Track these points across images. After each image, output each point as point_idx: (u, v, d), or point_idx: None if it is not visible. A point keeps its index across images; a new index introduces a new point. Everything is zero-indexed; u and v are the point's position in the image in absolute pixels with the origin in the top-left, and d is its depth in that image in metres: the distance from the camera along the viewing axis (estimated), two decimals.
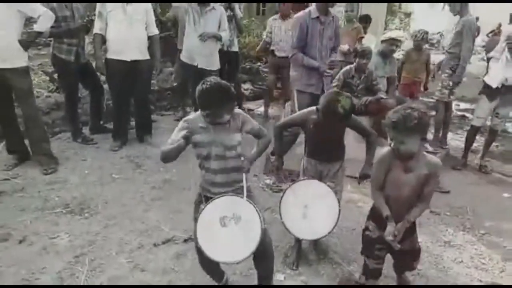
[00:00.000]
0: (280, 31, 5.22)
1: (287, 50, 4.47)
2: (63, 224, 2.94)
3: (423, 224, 3.10)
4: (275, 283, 2.35)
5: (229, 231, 1.89)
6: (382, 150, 2.01)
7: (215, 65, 4.53)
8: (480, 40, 12.13)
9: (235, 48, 5.30)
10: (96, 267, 2.50)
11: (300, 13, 3.49)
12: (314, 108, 2.39)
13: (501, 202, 3.67)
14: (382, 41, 4.50)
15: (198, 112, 2.00)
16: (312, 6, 3.45)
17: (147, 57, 4.25)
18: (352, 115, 2.31)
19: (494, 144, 4.70)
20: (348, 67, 4.13)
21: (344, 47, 5.26)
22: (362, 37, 5.72)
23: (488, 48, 8.21)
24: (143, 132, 4.59)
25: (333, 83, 4.19)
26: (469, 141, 4.42)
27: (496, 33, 10.07)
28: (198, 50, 4.31)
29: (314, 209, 2.37)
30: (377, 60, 4.42)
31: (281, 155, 2.73)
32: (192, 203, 2.16)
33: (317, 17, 3.40)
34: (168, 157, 1.91)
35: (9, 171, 3.70)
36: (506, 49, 3.86)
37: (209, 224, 1.90)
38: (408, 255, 2.17)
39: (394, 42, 4.37)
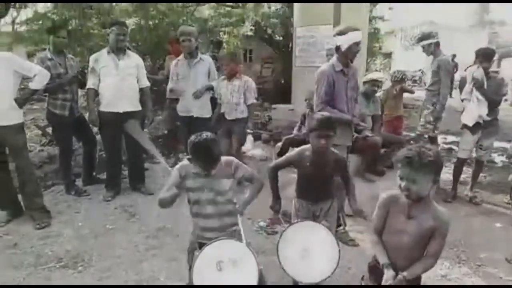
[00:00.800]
0: (227, 92, 4.59)
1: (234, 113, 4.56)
2: (56, 279, 2.89)
3: None
4: None
5: (226, 275, 1.91)
6: (383, 194, 1.94)
7: (209, 112, 4.71)
8: (458, 76, 12.69)
9: None
10: None
11: (324, 67, 3.40)
12: (309, 145, 2.49)
13: (494, 232, 3.71)
14: (364, 83, 4.74)
15: (186, 159, 2.10)
16: (333, 59, 3.40)
17: (139, 108, 4.39)
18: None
19: (481, 174, 4.81)
20: None
21: None
22: None
23: (461, 85, 8.60)
24: (136, 181, 4.63)
25: None
26: (457, 173, 4.53)
27: None
28: (193, 102, 4.52)
29: (313, 250, 2.30)
30: (361, 100, 4.62)
31: (278, 196, 2.71)
32: (186, 251, 2.19)
33: (341, 70, 3.35)
34: (165, 203, 2.01)
35: (2, 227, 3.67)
36: (474, 90, 4.08)
37: (205, 269, 1.91)
38: None
39: (375, 83, 4.61)
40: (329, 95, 3.34)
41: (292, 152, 2.67)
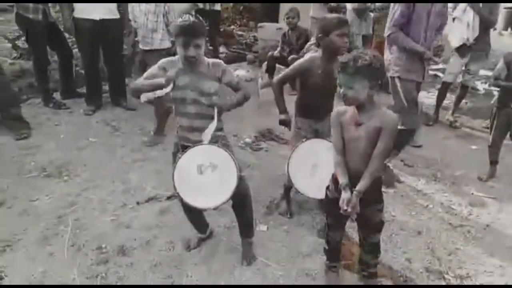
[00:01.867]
0: (141, 14, 3.70)
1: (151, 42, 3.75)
2: (41, 187, 2.89)
3: (398, 174, 3.27)
4: (259, 233, 2.44)
5: (206, 179, 1.95)
6: (333, 112, 1.91)
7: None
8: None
9: (218, 7, 5.13)
10: (80, 227, 2.50)
11: None
12: (315, 54, 2.38)
13: (469, 154, 3.87)
14: None
15: (177, 57, 1.99)
16: None
17: (117, 15, 4.08)
18: None
19: (463, 101, 4.89)
20: None
21: None
22: None
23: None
24: (117, 96, 4.48)
25: (310, 40, 4.19)
26: (441, 97, 4.58)
27: None
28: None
29: (323, 167, 2.25)
30: (353, 17, 4.42)
31: (285, 110, 2.52)
32: (171, 163, 2.18)
33: None
34: (141, 91, 1.94)
35: None
36: (468, 9, 3.94)
37: (186, 171, 1.94)
38: (368, 224, 1.94)
39: None
40: (405, 17, 2.85)
41: (301, 60, 2.46)
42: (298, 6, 5.11)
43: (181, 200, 2.01)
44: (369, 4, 4.40)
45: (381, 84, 1.73)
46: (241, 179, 1.99)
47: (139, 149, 3.56)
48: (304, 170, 2.31)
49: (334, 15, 2.43)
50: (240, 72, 5.99)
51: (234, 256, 2.30)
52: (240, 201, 2.10)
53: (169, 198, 2.79)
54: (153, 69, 2.00)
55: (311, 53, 2.52)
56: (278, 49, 5.10)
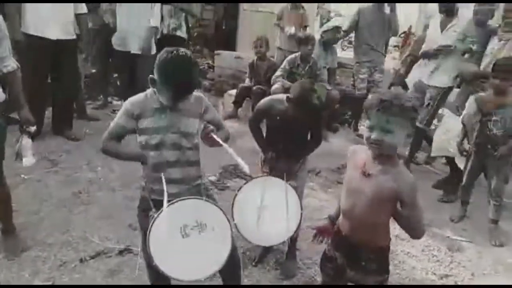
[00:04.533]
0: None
1: None
2: None
3: None
4: None
5: (192, 243, 1.57)
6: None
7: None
8: (394, 40, 13.03)
9: (182, 34, 4.79)
10: None
11: None
12: (282, 96, 2.13)
13: (435, 193, 3.81)
14: (325, 32, 4.42)
15: (147, 93, 1.62)
16: None
17: (74, 36, 3.72)
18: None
19: None
20: (293, 55, 3.95)
21: (291, 29, 4.92)
22: (307, 26, 5.56)
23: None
24: (61, 123, 3.91)
25: (277, 72, 4.00)
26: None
27: (407, 34, 10.81)
28: (132, 35, 3.85)
29: (273, 210, 2.08)
30: (319, 50, 4.33)
31: (266, 147, 2.31)
32: (123, 207, 1.78)
33: None
34: (113, 157, 1.62)
35: None
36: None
37: (165, 235, 1.54)
38: None
39: (338, 30, 4.31)
40: None
41: (261, 102, 2.30)
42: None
43: (152, 271, 1.64)
44: (339, 34, 4.34)
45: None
46: (233, 239, 1.64)
47: (83, 189, 3.03)
48: (250, 213, 2.06)
49: None
50: None
51: None
52: (231, 262, 1.70)
53: (121, 253, 2.32)
54: (121, 119, 1.62)
55: (278, 85, 2.32)
56: (247, 80, 4.85)
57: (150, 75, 1.56)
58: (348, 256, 1.55)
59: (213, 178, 3.37)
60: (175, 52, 1.49)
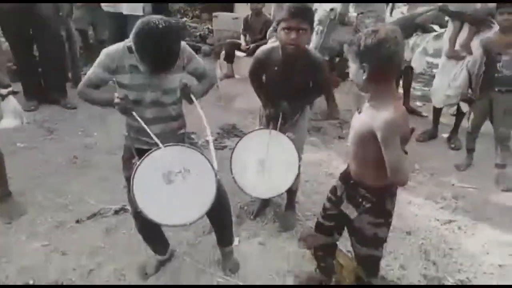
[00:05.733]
0: None
1: None
2: None
3: None
4: None
5: (176, 188, 1.53)
6: None
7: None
8: None
9: None
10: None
11: None
12: (275, 43, 2.02)
13: (441, 142, 3.70)
14: None
15: (125, 44, 1.52)
16: None
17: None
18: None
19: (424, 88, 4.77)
20: None
21: None
22: None
23: None
24: (54, 91, 3.85)
25: (272, 26, 3.84)
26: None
27: None
28: None
29: (271, 163, 2.01)
30: None
31: (269, 102, 2.17)
32: (119, 170, 1.73)
33: None
34: (90, 102, 1.62)
35: None
36: None
37: (149, 182, 1.51)
38: (357, 233, 1.57)
39: None
40: None
41: (258, 51, 2.14)
42: None
43: (137, 216, 1.61)
44: None
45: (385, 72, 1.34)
46: (218, 182, 1.59)
47: (79, 154, 3.01)
48: (248, 166, 2.00)
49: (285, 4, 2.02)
50: None
51: (201, 280, 1.89)
52: (218, 207, 1.67)
53: (116, 212, 2.30)
54: (97, 69, 1.55)
55: (273, 40, 2.17)
56: (242, 37, 4.66)
57: (128, 43, 1.48)
58: (348, 190, 1.56)
59: (210, 138, 3.29)
60: (153, 23, 1.37)
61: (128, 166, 1.59)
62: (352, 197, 1.54)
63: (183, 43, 1.61)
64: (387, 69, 1.34)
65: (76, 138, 3.24)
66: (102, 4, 3.99)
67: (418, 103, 4.60)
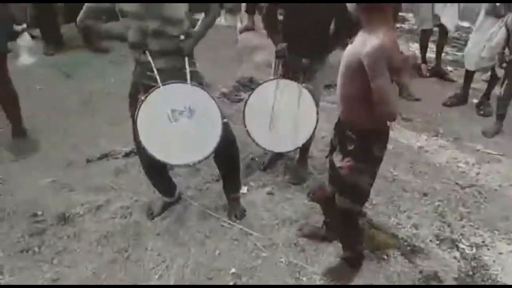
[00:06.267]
0: None
1: None
2: None
3: (395, 130, 2.86)
4: None
5: (181, 127, 1.48)
6: None
7: None
8: None
9: None
10: (8, 190, 1.99)
11: None
12: None
13: (470, 108, 3.49)
14: None
15: None
16: None
17: None
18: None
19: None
20: None
21: None
22: None
23: None
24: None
25: None
26: (423, 45, 4.08)
27: None
28: None
29: (286, 115, 1.92)
30: None
31: (281, 40, 1.99)
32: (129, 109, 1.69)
33: None
34: (96, 36, 1.47)
35: None
36: None
37: (154, 119, 1.47)
38: (335, 172, 1.50)
39: None
40: None
41: None
42: None
43: (143, 156, 1.58)
44: None
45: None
46: (225, 125, 1.54)
47: (95, 98, 3.00)
48: (262, 119, 1.91)
49: None
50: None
51: (206, 224, 1.87)
52: (226, 152, 1.64)
53: (127, 155, 2.30)
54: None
55: None
56: None
57: None
58: (339, 136, 1.49)
59: (225, 90, 3.21)
60: None
61: (134, 103, 1.54)
62: (342, 142, 1.46)
63: None
64: None
65: (92, 83, 3.22)
66: None
67: (450, 68, 4.33)
